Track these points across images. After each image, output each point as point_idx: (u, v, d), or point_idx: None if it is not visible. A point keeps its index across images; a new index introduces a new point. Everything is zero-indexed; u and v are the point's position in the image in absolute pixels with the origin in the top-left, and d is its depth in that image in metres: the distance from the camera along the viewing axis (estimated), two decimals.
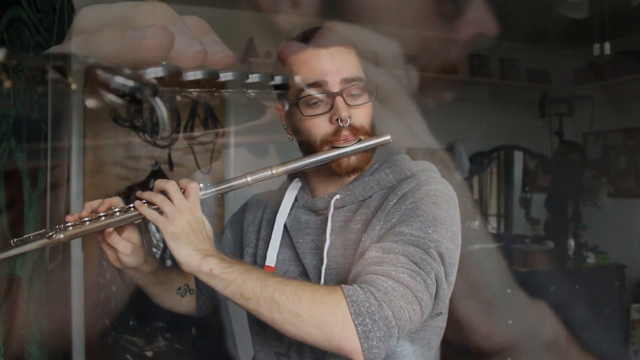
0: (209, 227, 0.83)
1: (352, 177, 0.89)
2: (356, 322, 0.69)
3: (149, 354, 2.12)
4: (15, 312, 1.07)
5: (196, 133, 2.13)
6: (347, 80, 0.84)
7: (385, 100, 0.94)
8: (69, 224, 0.83)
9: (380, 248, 0.77)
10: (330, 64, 0.84)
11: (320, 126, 0.85)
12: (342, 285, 0.73)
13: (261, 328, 0.93)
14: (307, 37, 0.87)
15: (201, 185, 0.83)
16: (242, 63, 2.15)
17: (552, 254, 2.63)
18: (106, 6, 0.81)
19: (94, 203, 0.85)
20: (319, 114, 0.84)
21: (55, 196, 1.41)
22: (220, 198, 2.21)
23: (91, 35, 0.78)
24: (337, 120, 0.83)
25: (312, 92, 0.84)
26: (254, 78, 0.84)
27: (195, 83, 0.81)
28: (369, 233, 0.82)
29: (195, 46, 0.78)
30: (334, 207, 0.88)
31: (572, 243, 2.57)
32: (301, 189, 0.95)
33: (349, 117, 0.83)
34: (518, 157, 3.02)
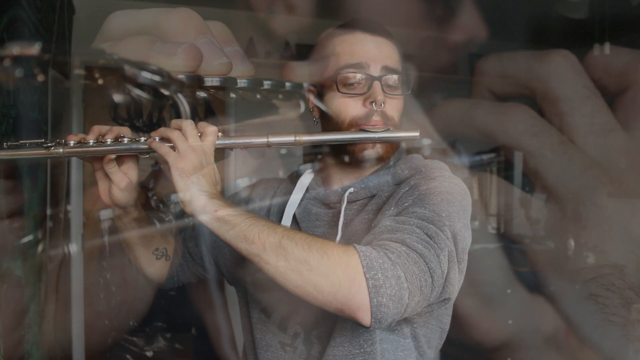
0: (218, 176, 0.80)
1: (368, 170, 0.89)
2: (367, 276, 0.66)
3: (149, 354, 2.11)
4: (15, 312, 1.07)
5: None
6: (387, 69, 0.85)
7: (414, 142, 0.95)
8: (72, 142, 0.79)
9: (394, 220, 0.76)
10: (375, 49, 0.86)
11: (352, 106, 0.85)
12: (355, 244, 0.70)
13: (265, 315, 0.92)
14: (356, 23, 0.89)
15: (220, 134, 0.80)
16: (262, 83, 2.15)
17: (552, 254, 2.62)
18: (136, 12, 0.81)
19: (103, 127, 0.82)
20: (355, 94, 0.85)
21: (55, 196, 1.41)
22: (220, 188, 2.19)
23: (120, 42, 0.78)
24: (371, 103, 0.83)
25: (353, 71, 0.84)
26: (267, 85, 0.85)
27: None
28: (379, 218, 0.81)
29: (221, 58, 0.79)
30: (347, 201, 0.87)
31: (572, 243, 2.56)
32: (313, 179, 0.94)
33: (383, 103, 0.83)
34: (518, 157, 3.01)
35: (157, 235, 1.01)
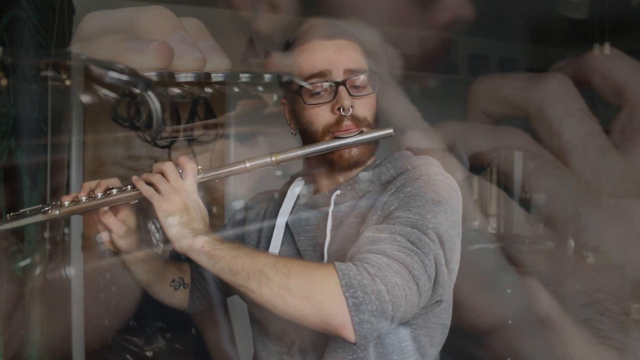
0: (204, 210, 0.83)
1: (354, 172, 0.89)
2: (347, 294, 0.66)
3: (149, 354, 2.11)
4: (15, 312, 1.07)
5: (196, 133, 2.13)
6: (350, 71, 0.85)
7: (402, 130, 0.95)
8: (66, 202, 0.84)
9: (376, 229, 0.76)
10: (334, 54, 0.85)
11: (322, 115, 0.85)
12: (335, 262, 0.71)
13: (263, 327, 0.93)
14: (311, 31, 0.89)
15: (200, 167, 0.83)
16: (242, 63, 2.15)
17: (552, 254, 2.62)
18: (110, 12, 0.82)
19: (92, 183, 0.87)
20: (322, 103, 0.85)
21: (55, 196, 1.41)
22: (220, 199, 2.21)
23: (93, 42, 0.79)
24: (339, 109, 0.83)
25: (316, 81, 0.84)
26: (244, 78, 0.86)
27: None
28: (366, 224, 0.81)
29: (194, 54, 0.80)
30: (334, 203, 0.87)
31: (572, 243, 2.56)
32: (304, 187, 0.95)
33: (352, 107, 0.83)
34: (518, 157, 3.02)
35: (171, 267, 1.04)
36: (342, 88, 0.84)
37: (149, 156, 2.20)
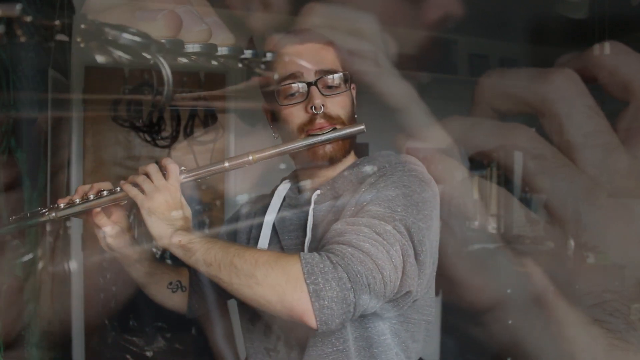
0: (187, 209, 0.86)
1: (335, 172, 0.91)
2: (308, 281, 0.69)
3: (149, 354, 2.12)
4: (15, 312, 1.07)
5: (196, 133, 2.13)
6: (322, 72, 0.89)
7: (401, 111, 0.95)
8: (61, 205, 0.90)
9: (344, 222, 0.79)
10: (306, 56, 0.89)
11: (296, 115, 0.89)
12: (301, 252, 0.74)
13: (251, 324, 0.95)
14: (288, 37, 0.93)
15: (182, 168, 0.87)
16: (242, 51, 2.16)
17: (552, 254, 2.62)
18: None
19: (86, 187, 0.92)
20: (295, 103, 0.88)
21: (55, 196, 1.41)
22: (221, 204, 2.21)
23: (101, 14, 0.82)
24: (311, 108, 0.86)
25: (289, 82, 0.88)
26: (248, 54, 0.90)
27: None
28: (340, 219, 0.83)
29: (201, 25, 0.83)
30: (315, 203, 0.90)
31: (572, 243, 2.56)
32: (290, 189, 0.98)
33: (323, 105, 0.87)
34: (518, 157, 3.02)
35: (168, 269, 1.07)
36: (313, 88, 0.87)
37: (149, 156, 2.21)
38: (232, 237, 1.04)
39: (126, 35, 0.76)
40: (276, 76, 0.90)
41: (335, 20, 0.95)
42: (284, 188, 0.99)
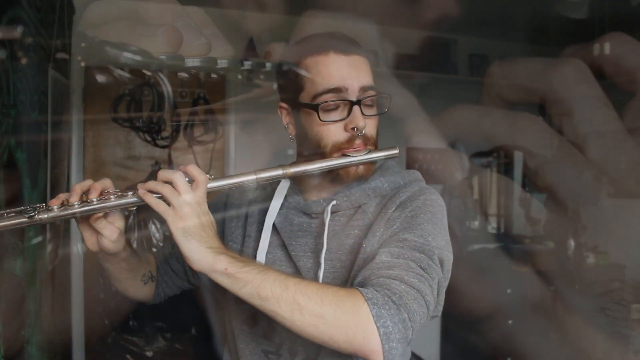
0: (213, 222, 0.79)
1: (345, 183, 0.90)
2: (378, 324, 0.70)
3: (149, 354, 2.12)
4: (15, 312, 1.07)
5: (196, 133, 2.13)
6: (364, 89, 0.85)
7: (404, 120, 0.95)
8: (55, 207, 0.77)
9: (389, 253, 0.79)
10: (351, 71, 0.85)
11: (334, 132, 0.85)
12: (359, 288, 0.73)
13: (247, 326, 0.93)
14: (325, 41, 0.88)
15: (210, 176, 0.80)
16: (242, 63, 2.16)
17: (552, 254, 2.62)
18: (116, 0, 0.85)
19: (84, 185, 0.80)
20: (336, 121, 0.85)
21: (55, 196, 1.41)
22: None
23: (101, 28, 0.82)
24: (352, 128, 0.84)
25: (331, 97, 0.84)
26: (247, 65, 0.88)
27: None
28: (369, 239, 0.83)
29: (200, 39, 0.82)
30: (331, 213, 0.89)
31: (572, 243, 2.56)
32: (290, 188, 0.95)
33: (364, 128, 0.84)
34: (518, 157, 3.02)
35: (142, 262, 1.00)
36: (356, 107, 0.84)
37: (149, 156, 2.20)
38: (220, 226, 1.00)
39: (127, 54, 0.75)
40: (313, 82, 0.85)
41: (334, 28, 0.93)
42: (283, 188, 0.96)
